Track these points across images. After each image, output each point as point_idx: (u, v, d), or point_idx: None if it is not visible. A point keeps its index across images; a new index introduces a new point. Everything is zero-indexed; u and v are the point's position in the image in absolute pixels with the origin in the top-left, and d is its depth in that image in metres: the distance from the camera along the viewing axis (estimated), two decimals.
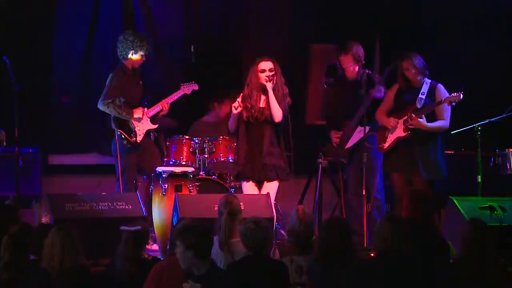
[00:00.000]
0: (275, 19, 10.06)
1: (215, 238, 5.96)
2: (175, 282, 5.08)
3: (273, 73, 7.34)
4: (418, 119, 7.50)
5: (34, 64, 9.20)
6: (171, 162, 8.26)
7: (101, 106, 7.91)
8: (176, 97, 8.19)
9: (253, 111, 7.36)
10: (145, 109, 8.05)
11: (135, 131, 7.96)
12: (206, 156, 8.24)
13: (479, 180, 7.76)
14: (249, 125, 7.42)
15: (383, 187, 8.07)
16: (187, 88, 8.24)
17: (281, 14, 10.06)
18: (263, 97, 7.43)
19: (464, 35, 9.38)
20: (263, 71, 7.39)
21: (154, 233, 7.53)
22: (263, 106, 7.40)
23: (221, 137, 8.30)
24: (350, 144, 8.04)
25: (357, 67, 8.07)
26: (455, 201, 7.06)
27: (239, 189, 8.33)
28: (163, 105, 8.08)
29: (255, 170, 7.37)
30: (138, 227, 5.55)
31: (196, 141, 8.29)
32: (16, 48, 8.75)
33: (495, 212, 6.95)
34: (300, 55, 9.68)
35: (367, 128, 7.68)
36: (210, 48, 9.88)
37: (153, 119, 8.08)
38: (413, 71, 7.64)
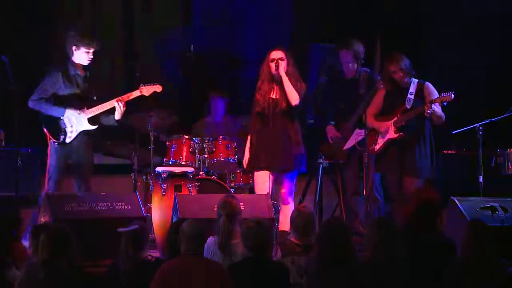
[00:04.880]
0: (276, 18, 10.05)
1: (213, 239, 5.94)
2: (187, 283, 5.05)
3: (282, 61, 7.36)
4: (433, 106, 7.43)
5: (33, 63, 9.16)
6: (170, 162, 8.23)
7: (31, 104, 7.69)
8: (131, 97, 7.79)
9: (265, 104, 7.37)
10: (85, 108, 7.71)
11: (64, 130, 7.68)
12: (206, 156, 8.21)
13: (481, 180, 7.75)
14: (264, 118, 7.41)
15: (382, 187, 8.05)
16: (146, 90, 7.80)
17: (282, 13, 10.06)
18: (276, 88, 7.44)
19: (464, 34, 9.37)
20: (273, 60, 7.42)
21: (154, 233, 7.51)
22: (276, 97, 7.41)
23: (221, 137, 8.28)
24: (348, 145, 8.02)
25: (356, 64, 8.06)
26: (456, 201, 7.04)
27: (239, 189, 8.33)
28: (112, 104, 7.68)
29: (280, 162, 7.37)
30: (136, 226, 5.53)
31: (196, 141, 8.26)
32: (14, 47, 8.72)
33: (497, 212, 6.94)
34: (300, 55, 9.66)
35: (364, 131, 7.66)
36: (209, 49, 9.86)
37: (93, 120, 7.74)
38: (401, 74, 7.59)
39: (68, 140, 7.67)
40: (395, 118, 7.60)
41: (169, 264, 5.19)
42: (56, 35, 9.53)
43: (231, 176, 8.41)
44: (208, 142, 8.23)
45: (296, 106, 7.39)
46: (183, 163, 8.17)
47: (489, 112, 8.08)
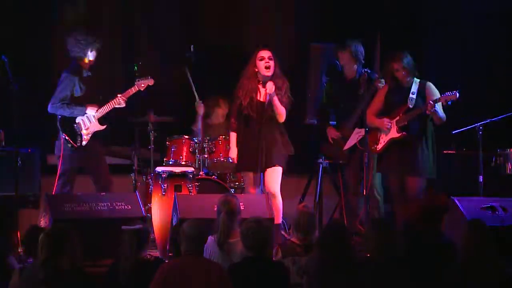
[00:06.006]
0: (276, 17, 10.04)
1: (212, 238, 5.94)
2: (187, 283, 5.05)
3: (272, 60, 7.34)
4: (435, 106, 7.43)
5: (33, 63, 9.16)
6: (170, 162, 8.22)
7: (52, 109, 7.80)
8: (130, 93, 7.92)
9: (251, 107, 7.35)
10: (92, 105, 7.86)
11: (80, 134, 7.80)
12: (206, 156, 8.21)
13: (481, 180, 7.75)
14: (251, 121, 7.41)
15: (382, 187, 8.05)
16: (142, 84, 7.94)
17: (282, 12, 10.05)
18: (262, 89, 7.42)
19: (464, 34, 9.36)
20: (262, 58, 7.39)
21: (153, 233, 7.51)
22: (263, 100, 7.39)
23: (221, 137, 8.27)
24: (348, 145, 8.02)
25: (356, 65, 8.05)
26: (456, 201, 7.03)
27: (239, 189, 8.32)
28: (116, 102, 7.85)
29: (264, 162, 7.36)
30: (140, 226, 5.54)
31: (196, 141, 8.26)
32: (14, 46, 8.71)
33: (497, 212, 6.94)
34: (300, 54, 9.66)
35: (364, 130, 7.65)
36: (210, 48, 9.85)
37: (101, 120, 7.89)
38: (403, 73, 7.59)
39: (84, 143, 7.78)
40: (397, 118, 7.60)
41: (169, 264, 5.20)
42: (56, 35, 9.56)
43: (231, 176, 8.41)
44: (208, 142, 8.23)
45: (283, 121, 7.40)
46: (183, 163, 8.18)
47: (489, 112, 8.08)
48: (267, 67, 7.37)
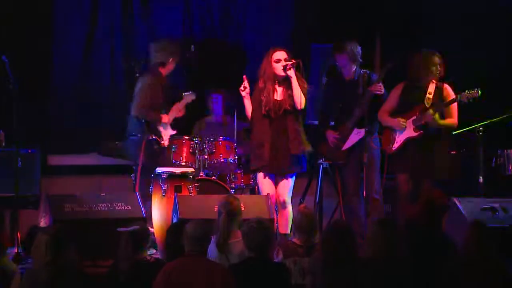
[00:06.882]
0: (276, 18, 10.05)
1: (212, 238, 5.95)
2: (190, 284, 5.05)
3: (291, 61, 7.33)
4: (433, 116, 7.46)
5: (33, 63, 9.16)
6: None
7: (139, 113, 8.02)
8: (184, 104, 8.32)
9: (269, 105, 7.35)
10: (165, 115, 8.19)
11: (162, 136, 8.11)
12: (206, 156, 8.21)
13: (481, 181, 7.75)
14: (268, 120, 7.41)
15: (381, 188, 8.04)
16: (188, 97, 8.36)
17: (282, 12, 10.06)
18: (279, 89, 7.43)
19: (464, 34, 9.37)
20: (278, 60, 7.40)
21: (154, 235, 7.50)
22: (280, 98, 7.40)
23: (221, 137, 8.27)
24: (347, 146, 8.00)
25: (354, 66, 8.04)
26: (456, 201, 7.03)
27: (239, 190, 8.32)
28: (179, 111, 8.27)
29: (280, 164, 7.38)
30: (136, 227, 5.54)
31: (196, 141, 8.25)
32: (15, 47, 8.70)
33: (497, 213, 6.94)
34: (300, 55, 9.67)
35: (363, 130, 7.64)
36: (210, 48, 9.86)
37: (172, 125, 8.28)
38: (440, 69, 7.64)
39: (166, 144, 8.10)
40: (414, 117, 7.60)
41: (172, 265, 5.19)
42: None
43: (231, 177, 8.41)
44: (208, 143, 8.22)
45: (301, 108, 7.40)
46: (183, 163, 8.17)
47: (489, 112, 8.08)
48: (290, 68, 7.35)
